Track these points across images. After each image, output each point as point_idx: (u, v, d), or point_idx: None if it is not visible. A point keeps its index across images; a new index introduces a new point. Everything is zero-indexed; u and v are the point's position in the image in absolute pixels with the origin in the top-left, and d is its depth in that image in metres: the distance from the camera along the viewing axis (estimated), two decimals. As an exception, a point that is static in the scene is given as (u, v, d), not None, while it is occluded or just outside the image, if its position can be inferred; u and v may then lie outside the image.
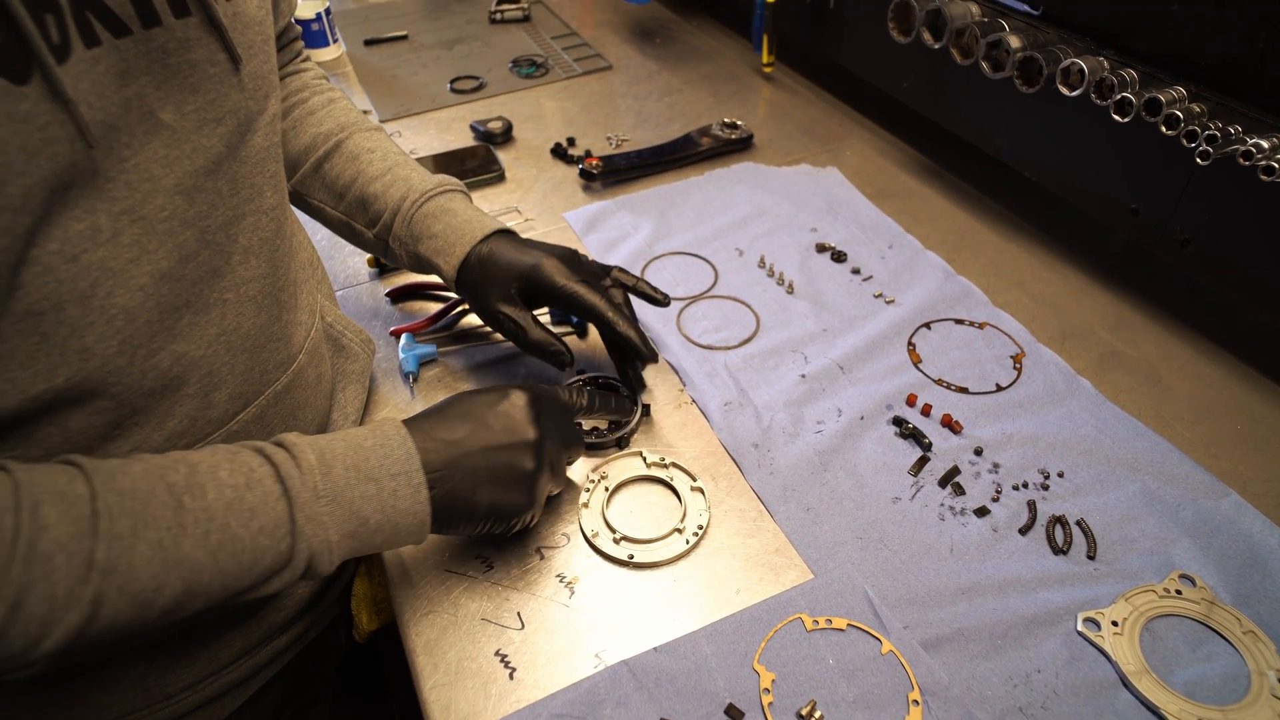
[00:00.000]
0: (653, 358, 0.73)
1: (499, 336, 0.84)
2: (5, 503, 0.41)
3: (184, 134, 0.50)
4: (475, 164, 1.13)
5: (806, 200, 1.05)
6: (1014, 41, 0.86)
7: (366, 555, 0.63)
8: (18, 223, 0.42)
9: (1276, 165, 0.66)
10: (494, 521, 0.60)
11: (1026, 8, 0.89)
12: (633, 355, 0.74)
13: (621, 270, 0.77)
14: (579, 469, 0.72)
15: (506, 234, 0.76)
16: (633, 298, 0.78)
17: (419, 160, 1.11)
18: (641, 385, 0.78)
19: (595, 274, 0.75)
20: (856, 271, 0.94)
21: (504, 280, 0.72)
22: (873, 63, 1.13)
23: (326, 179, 0.79)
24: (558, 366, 0.74)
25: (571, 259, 0.74)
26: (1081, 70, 0.79)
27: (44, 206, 0.43)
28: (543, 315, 0.86)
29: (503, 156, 1.15)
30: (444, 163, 1.13)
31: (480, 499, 0.58)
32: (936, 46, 0.94)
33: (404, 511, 0.55)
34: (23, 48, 0.40)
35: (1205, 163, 0.70)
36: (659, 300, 0.77)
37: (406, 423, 0.58)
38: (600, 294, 0.72)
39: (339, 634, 0.81)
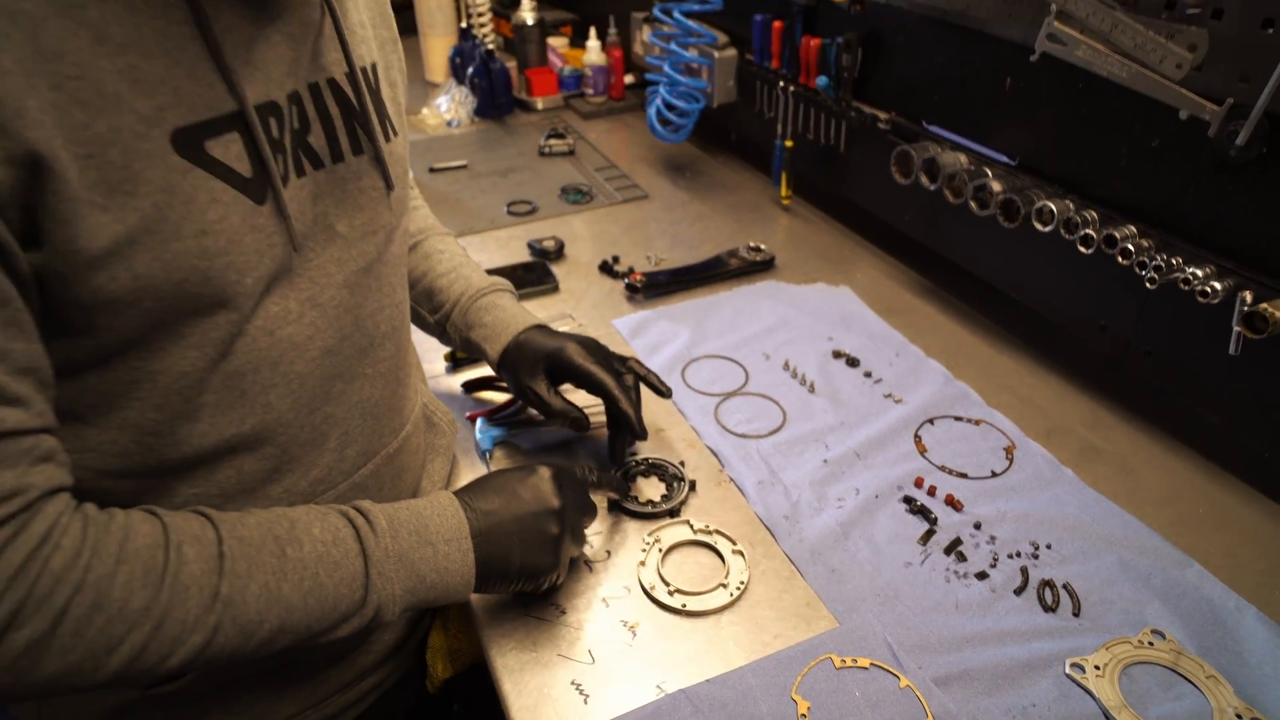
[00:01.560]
0: (642, 435, 0.87)
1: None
2: (158, 540, 0.53)
3: (352, 242, 0.65)
4: (533, 276, 1.30)
5: (823, 313, 1.21)
6: (996, 186, 1.04)
7: (436, 608, 0.74)
8: (245, 304, 0.56)
9: (1209, 290, 0.81)
10: (525, 580, 0.71)
11: (1005, 159, 1.07)
12: (626, 429, 0.87)
13: (637, 361, 0.91)
14: (636, 533, 0.84)
15: (541, 327, 0.91)
16: (643, 387, 0.91)
17: (489, 270, 1.28)
18: (623, 457, 0.90)
19: (609, 359, 0.89)
20: (868, 375, 1.08)
21: (533, 361, 0.87)
22: (878, 198, 1.31)
23: None
24: (577, 430, 0.89)
25: (591, 345, 0.89)
26: (1051, 211, 0.96)
27: (261, 294, 0.58)
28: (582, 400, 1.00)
29: (556, 271, 1.32)
30: (505, 274, 1.29)
31: (514, 560, 0.68)
32: (932, 188, 1.12)
33: (454, 572, 0.65)
34: (266, 179, 0.56)
35: (1154, 287, 0.86)
36: (663, 392, 0.91)
37: (455, 494, 0.70)
38: (612, 375, 0.87)
39: (410, 685, 0.90)
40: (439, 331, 0.96)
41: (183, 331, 0.54)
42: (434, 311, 0.95)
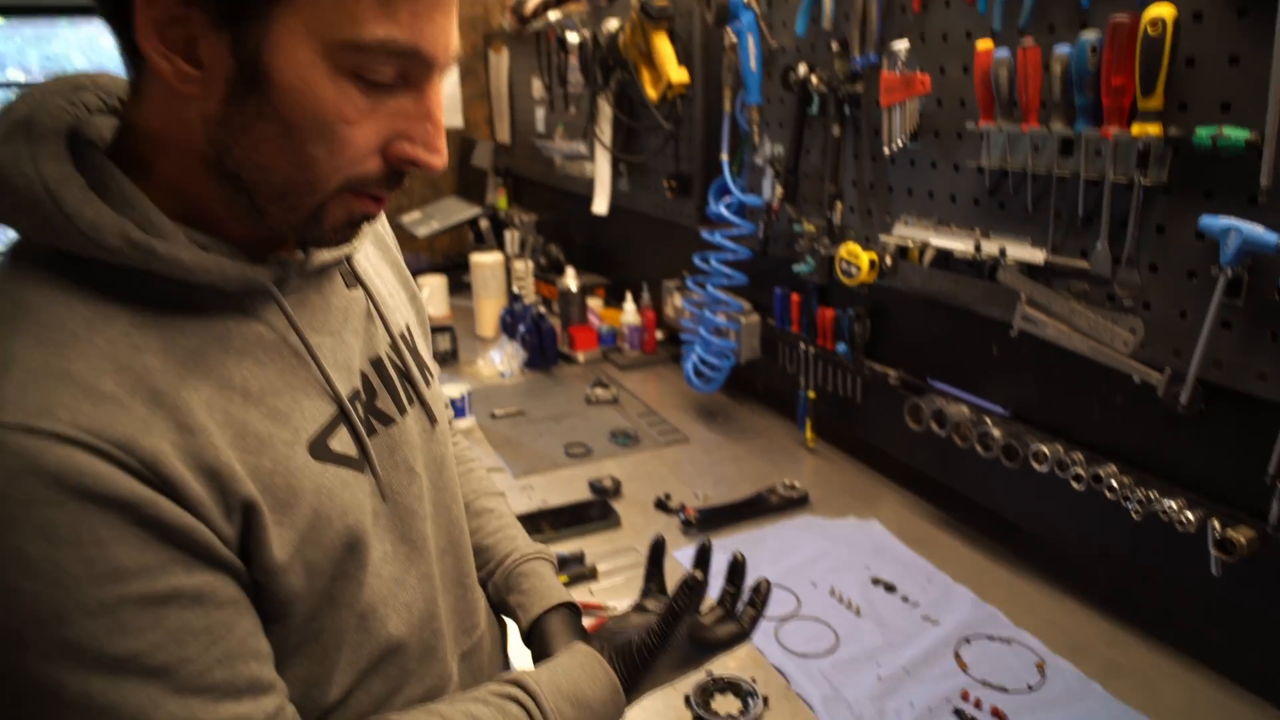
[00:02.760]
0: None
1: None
2: None
3: (422, 478, 0.77)
4: (596, 513, 1.47)
5: (858, 545, 1.36)
6: (995, 433, 1.24)
7: None
8: (360, 551, 0.67)
9: (1185, 520, 0.99)
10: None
11: (1000, 409, 1.28)
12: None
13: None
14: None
15: (569, 608, 0.94)
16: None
17: (553, 509, 1.45)
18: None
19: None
20: (905, 599, 1.22)
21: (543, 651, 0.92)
22: (894, 441, 1.52)
23: None
24: None
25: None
26: (1045, 453, 1.16)
27: (369, 540, 0.69)
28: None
29: (616, 507, 1.49)
30: (573, 511, 1.47)
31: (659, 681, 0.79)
32: (942, 434, 1.33)
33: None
34: (364, 452, 0.69)
35: (1139, 518, 1.03)
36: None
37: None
38: None
39: None
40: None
41: (335, 595, 0.66)
42: (479, 568, 0.99)
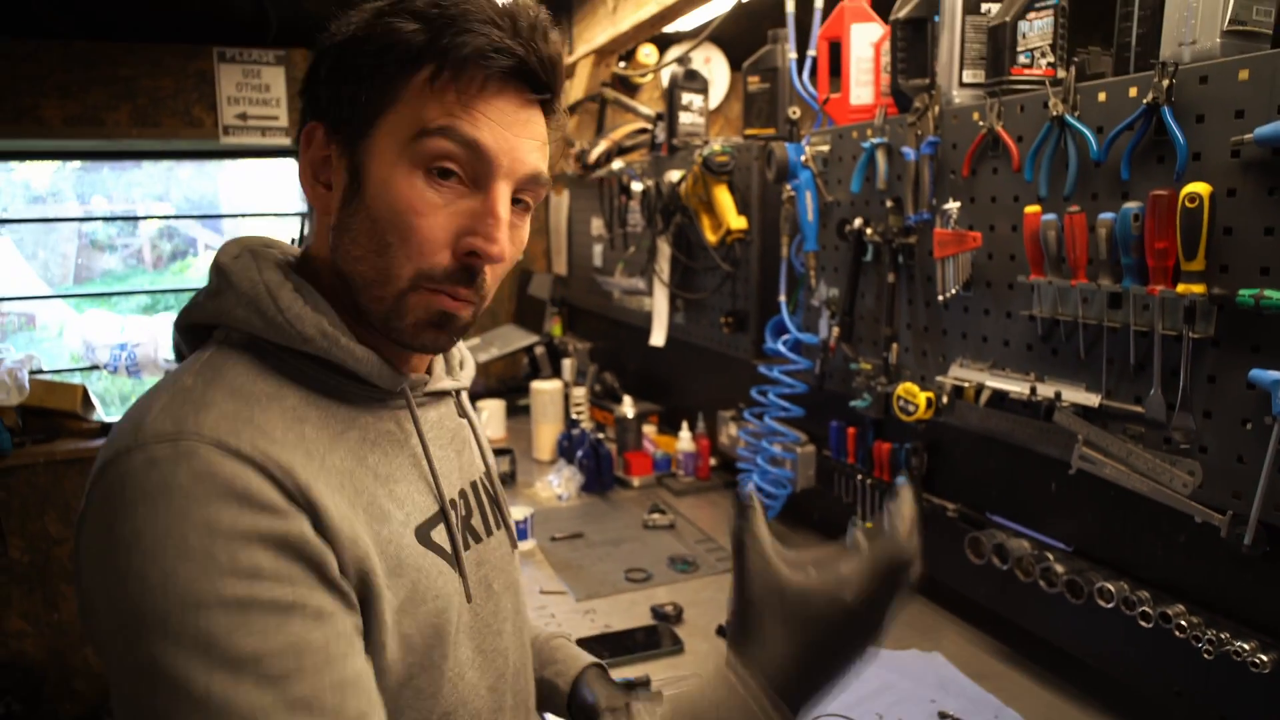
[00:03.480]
0: None
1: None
2: None
3: (499, 596, 0.84)
4: (659, 638, 1.49)
5: (922, 678, 1.37)
6: (1058, 568, 1.28)
7: None
8: (451, 654, 0.74)
9: (1258, 662, 1.01)
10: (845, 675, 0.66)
11: (1061, 545, 1.32)
12: None
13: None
14: None
15: (599, 667, 0.99)
16: None
17: (616, 634, 1.49)
18: None
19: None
20: (975, 735, 1.22)
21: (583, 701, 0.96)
22: (954, 574, 1.54)
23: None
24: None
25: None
26: (1110, 591, 1.18)
27: (455, 635, 0.75)
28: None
29: (679, 633, 1.52)
30: (636, 638, 1.50)
31: (822, 682, 0.66)
32: (1004, 568, 1.36)
33: None
34: (456, 553, 0.77)
35: (1211, 658, 1.05)
36: None
37: (728, 663, 0.67)
38: None
39: None
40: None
41: (421, 686, 0.72)
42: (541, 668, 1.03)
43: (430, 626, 0.71)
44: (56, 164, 4.28)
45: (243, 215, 4.03)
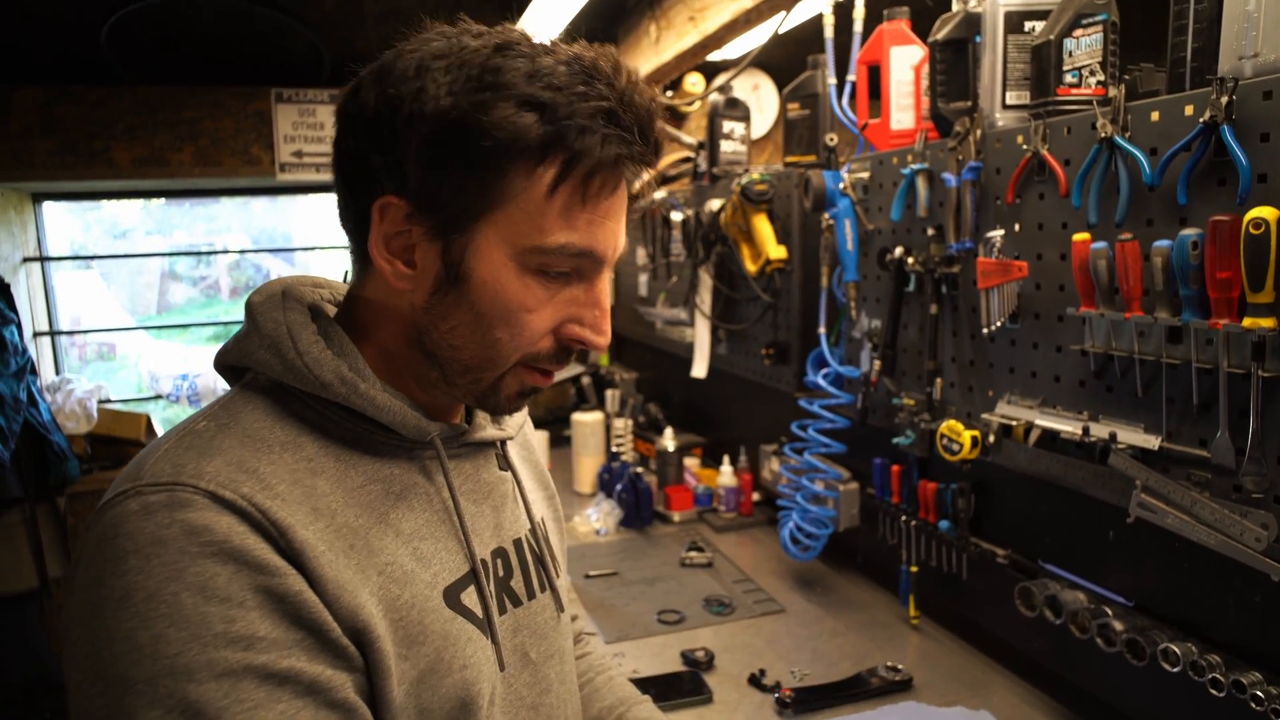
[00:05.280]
0: None
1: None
2: None
3: (539, 665, 0.79)
4: (687, 687, 1.43)
5: (968, 738, 1.27)
6: (1118, 625, 1.17)
7: None
8: (475, 715, 0.69)
9: (1346, 743, 0.89)
10: None
11: (1121, 599, 1.21)
12: None
13: None
14: None
15: None
16: None
17: (642, 679, 1.43)
18: None
19: None
20: (1025, 808, 1.12)
21: None
22: (1005, 625, 1.44)
23: None
24: None
25: None
26: (1176, 654, 1.08)
27: (485, 709, 0.70)
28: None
29: (709, 680, 1.45)
30: (664, 683, 1.43)
31: None
32: (1057, 622, 1.26)
33: None
34: (488, 617, 0.73)
35: (1291, 736, 0.94)
36: None
37: None
38: None
39: None
40: None
41: None
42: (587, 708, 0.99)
43: (456, 700, 0.67)
44: (140, 201, 4.53)
45: (313, 248, 4.15)
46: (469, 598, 0.71)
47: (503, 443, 0.81)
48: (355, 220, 0.69)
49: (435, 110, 0.62)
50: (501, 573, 0.77)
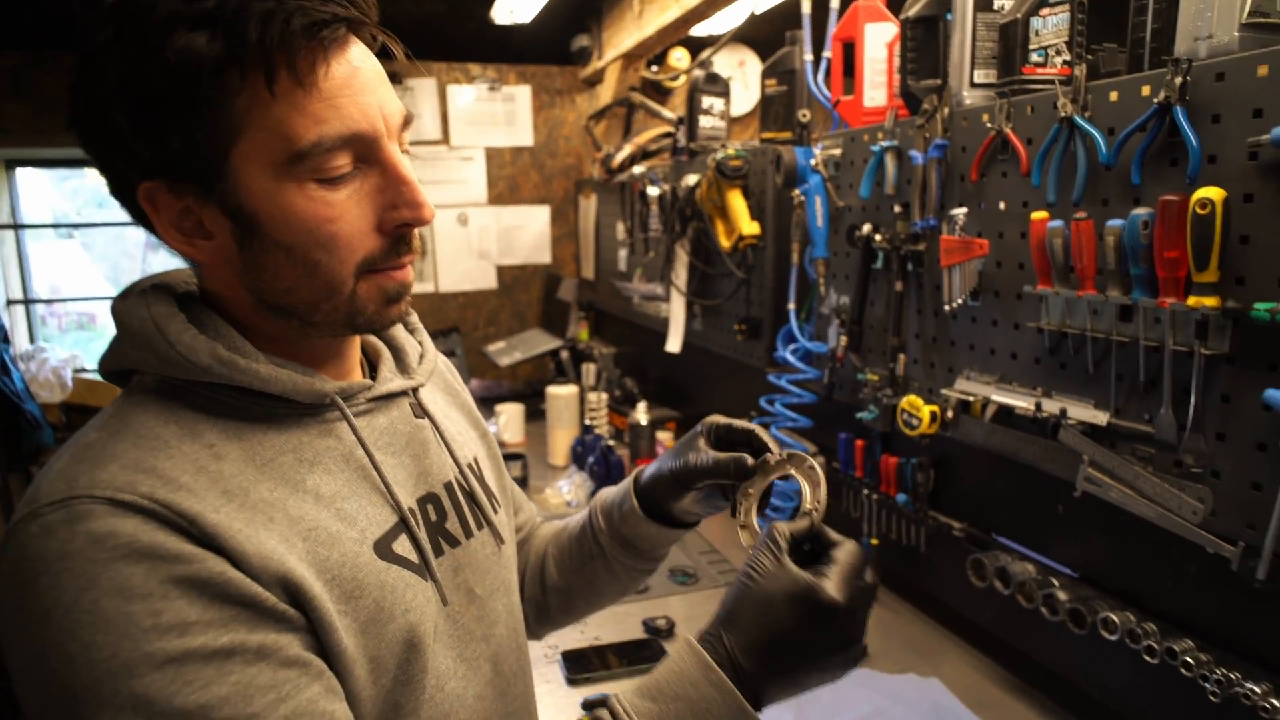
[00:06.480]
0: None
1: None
2: None
3: (483, 600, 0.80)
4: (647, 653, 1.46)
5: (916, 704, 1.31)
6: (1062, 595, 1.20)
7: None
8: (429, 664, 0.71)
9: (1269, 707, 0.93)
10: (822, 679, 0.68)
11: (1068, 570, 1.25)
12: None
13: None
14: None
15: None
16: None
17: (603, 647, 1.45)
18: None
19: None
20: (967, 769, 1.15)
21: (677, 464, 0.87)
22: (959, 596, 1.47)
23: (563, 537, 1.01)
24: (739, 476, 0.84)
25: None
26: (1115, 622, 1.11)
27: (431, 646, 0.72)
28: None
29: (669, 648, 1.48)
30: (623, 651, 1.46)
31: (799, 678, 0.68)
32: (1006, 593, 1.29)
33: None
34: (426, 564, 0.73)
35: (1218, 700, 0.97)
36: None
37: (702, 638, 0.68)
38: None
39: None
40: (594, 549, 0.96)
41: (400, 702, 0.69)
42: (581, 541, 0.98)
43: (402, 642, 0.69)
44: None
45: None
46: (401, 546, 0.72)
47: (415, 391, 0.81)
48: (142, 219, 0.67)
49: (118, 80, 0.59)
50: (435, 517, 0.78)
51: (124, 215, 0.68)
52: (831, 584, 0.67)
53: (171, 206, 0.64)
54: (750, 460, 0.83)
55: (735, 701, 0.65)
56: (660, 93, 3.44)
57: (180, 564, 0.57)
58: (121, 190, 0.65)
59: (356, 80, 0.64)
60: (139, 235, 4.97)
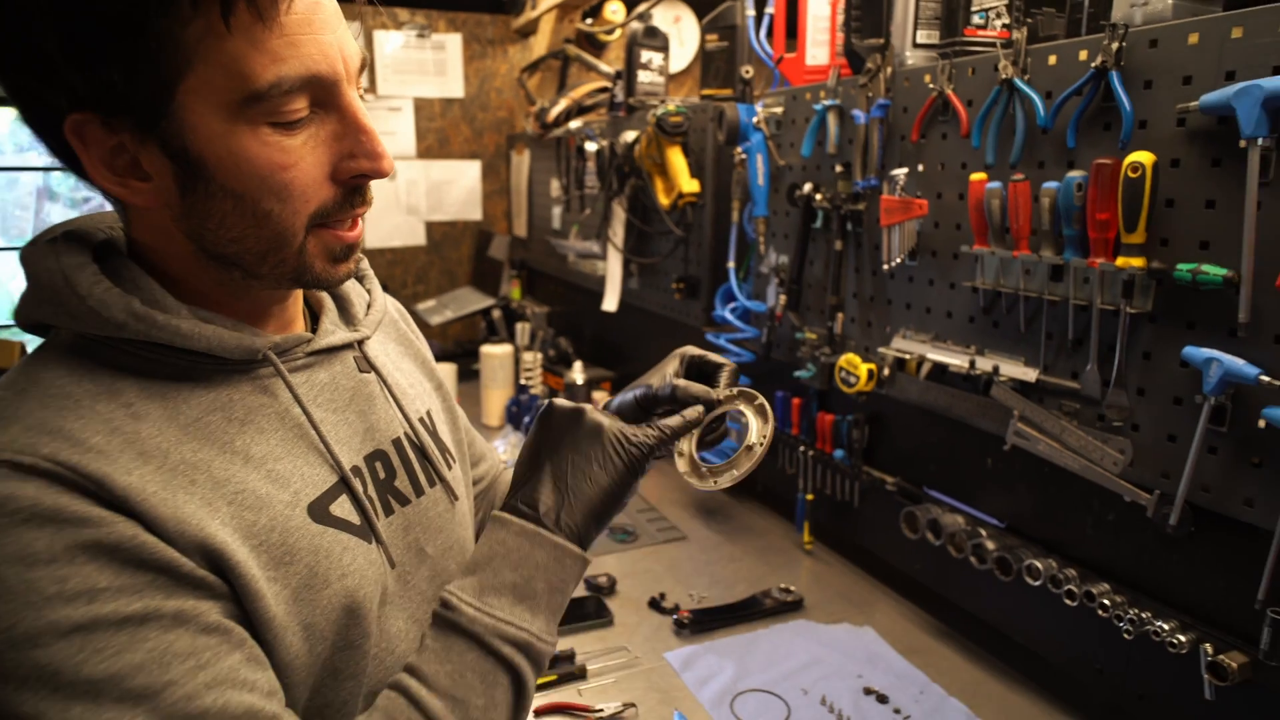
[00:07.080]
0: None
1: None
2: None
3: (437, 559, 0.78)
4: (589, 610, 1.46)
5: (851, 652, 1.35)
6: (990, 545, 1.26)
7: None
8: (374, 629, 0.69)
9: (1176, 642, 0.99)
10: (614, 498, 0.73)
11: (995, 521, 1.30)
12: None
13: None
14: None
15: None
16: None
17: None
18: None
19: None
20: (898, 711, 1.20)
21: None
22: (891, 548, 1.53)
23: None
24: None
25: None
26: (1038, 568, 1.17)
27: (379, 617, 0.70)
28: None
29: (610, 605, 1.49)
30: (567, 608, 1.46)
31: (586, 490, 0.71)
32: (937, 544, 1.34)
33: (548, 566, 0.69)
34: (368, 522, 0.71)
35: (1130, 638, 1.03)
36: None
37: (502, 510, 0.70)
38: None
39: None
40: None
41: (339, 667, 0.67)
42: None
43: (339, 608, 0.66)
44: (12, 111, 4.12)
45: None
46: (340, 508, 0.69)
47: (360, 344, 0.77)
48: (64, 155, 0.61)
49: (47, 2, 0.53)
50: (384, 475, 0.75)
51: (12, 159, 0.61)
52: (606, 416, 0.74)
53: (103, 142, 0.58)
54: (712, 393, 0.80)
55: (537, 536, 0.68)
56: (595, 46, 3.37)
57: (87, 528, 0.54)
58: (41, 121, 0.59)
59: (318, 17, 0.59)
60: (31, 181, 4.63)
